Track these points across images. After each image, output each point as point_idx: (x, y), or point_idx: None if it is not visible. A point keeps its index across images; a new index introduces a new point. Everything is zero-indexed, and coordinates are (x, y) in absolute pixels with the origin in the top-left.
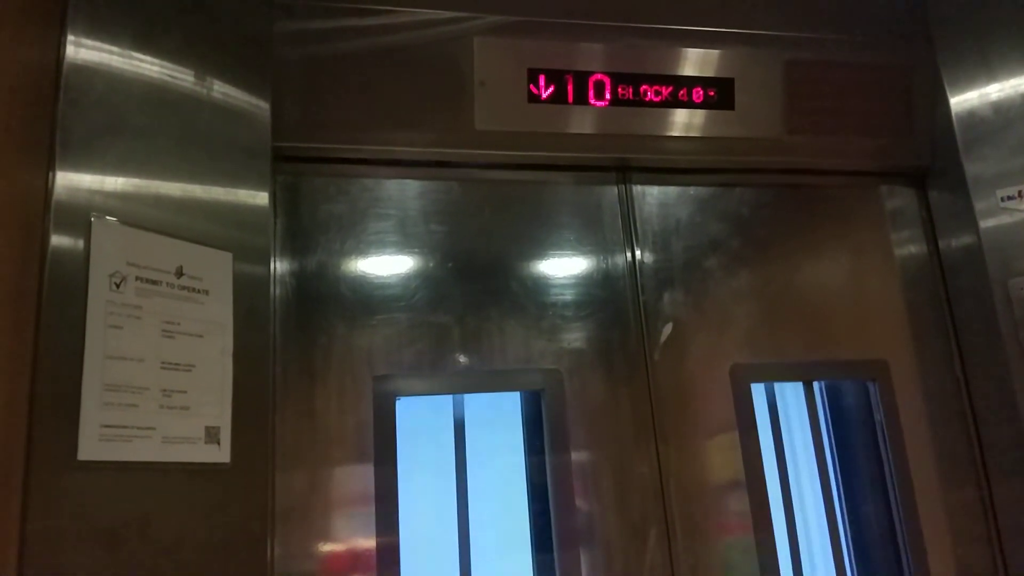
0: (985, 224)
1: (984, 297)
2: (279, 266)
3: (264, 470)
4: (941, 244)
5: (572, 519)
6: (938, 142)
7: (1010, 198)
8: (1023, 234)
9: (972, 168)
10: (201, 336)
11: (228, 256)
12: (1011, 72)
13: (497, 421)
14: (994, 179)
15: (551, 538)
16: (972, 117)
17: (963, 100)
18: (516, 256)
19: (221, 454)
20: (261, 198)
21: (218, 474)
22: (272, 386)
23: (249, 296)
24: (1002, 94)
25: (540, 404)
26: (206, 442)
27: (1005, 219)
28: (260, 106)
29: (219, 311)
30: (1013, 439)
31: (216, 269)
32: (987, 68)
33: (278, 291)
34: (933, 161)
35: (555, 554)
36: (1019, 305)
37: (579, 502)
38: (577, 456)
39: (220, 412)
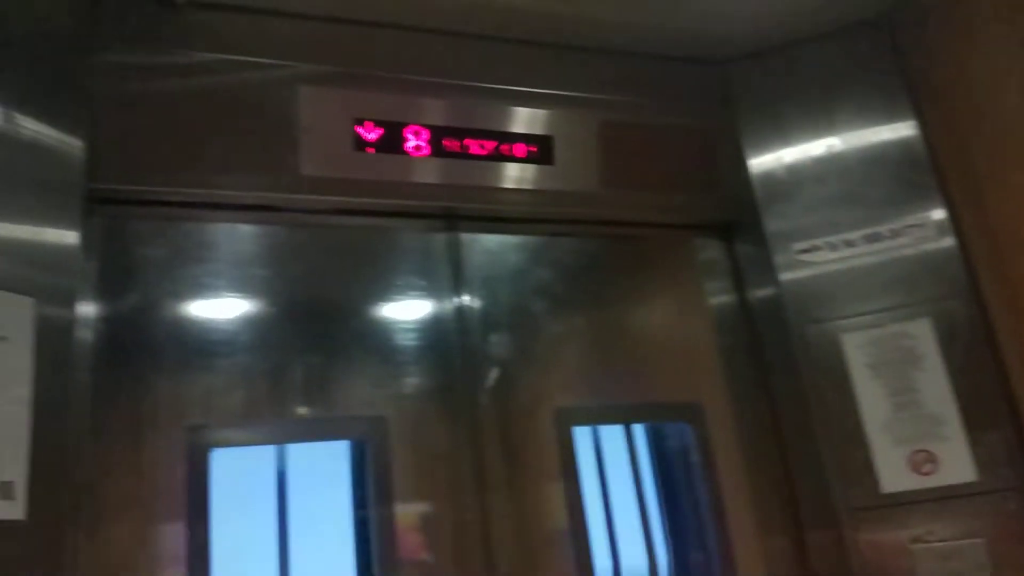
0: (784, 276)
1: (786, 343)
2: (92, 311)
3: (63, 527)
4: (748, 294)
5: (397, 574)
6: (741, 199)
7: (805, 251)
8: (819, 285)
9: (771, 224)
10: None
11: (29, 301)
12: (802, 138)
13: (323, 473)
14: (791, 234)
15: None
16: (769, 178)
17: (760, 162)
18: (344, 301)
19: (15, 510)
20: (71, 238)
21: (13, 531)
22: (77, 437)
23: (53, 343)
24: (794, 158)
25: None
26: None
27: (802, 271)
28: (73, 144)
29: (17, 358)
30: (816, 488)
31: (15, 314)
32: (781, 133)
33: (91, 337)
34: (738, 216)
35: None
36: (816, 350)
37: (406, 555)
38: (403, 507)
39: (15, 465)
